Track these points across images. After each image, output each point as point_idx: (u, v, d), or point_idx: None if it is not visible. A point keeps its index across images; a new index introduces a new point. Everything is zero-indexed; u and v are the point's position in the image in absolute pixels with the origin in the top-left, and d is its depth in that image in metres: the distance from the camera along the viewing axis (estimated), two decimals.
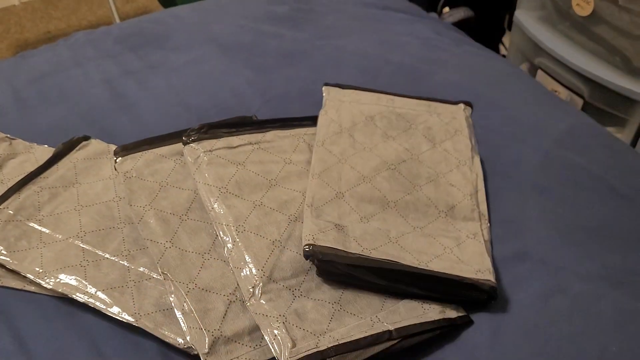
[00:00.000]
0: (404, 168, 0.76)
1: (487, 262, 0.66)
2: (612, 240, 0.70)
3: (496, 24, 1.75)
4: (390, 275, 0.63)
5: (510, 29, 1.52)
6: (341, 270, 0.63)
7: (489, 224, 0.73)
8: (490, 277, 0.64)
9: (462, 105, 0.88)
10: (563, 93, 1.30)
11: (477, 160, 0.80)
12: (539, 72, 1.38)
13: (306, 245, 0.63)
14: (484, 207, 0.75)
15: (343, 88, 0.89)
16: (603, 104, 1.23)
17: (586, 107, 1.26)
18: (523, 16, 1.40)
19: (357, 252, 0.63)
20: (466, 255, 0.67)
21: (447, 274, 0.63)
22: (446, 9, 1.60)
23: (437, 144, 0.81)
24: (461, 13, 1.58)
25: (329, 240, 0.64)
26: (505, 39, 1.76)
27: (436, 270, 0.63)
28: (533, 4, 1.39)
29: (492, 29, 1.76)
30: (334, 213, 0.69)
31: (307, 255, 0.63)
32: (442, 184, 0.75)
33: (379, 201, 0.72)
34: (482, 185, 0.77)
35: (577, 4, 1.20)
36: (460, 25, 1.51)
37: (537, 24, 1.36)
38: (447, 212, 0.72)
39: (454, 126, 0.84)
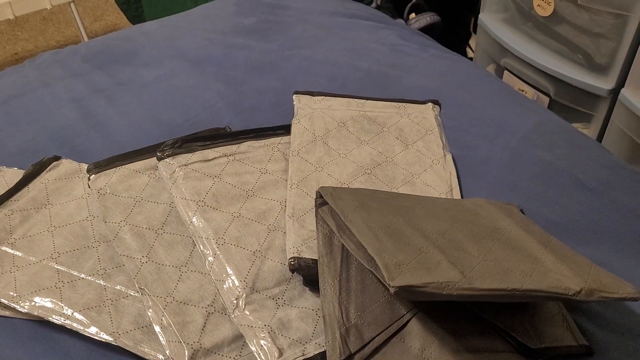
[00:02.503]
0: (379, 172, 0.77)
1: None
2: (582, 233, 0.72)
3: (462, 28, 1.79)
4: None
5: (475, 32, 1.55)
6: None
7: None
8: None
9: (430, 104, 0.90)
10: (529, 92, 1.33)
11: (449, 157, 0.82)
12: (505, 72, 1.41)
13: (291, 258, 0.64)
14: None
15: (313, 95, 0.90)
16: (569, 101, 1.26)
17: (553, 105, 1.29)
18: (487, 19, 1.43)
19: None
20: None
21: None
22: (412, 15, 1.63)
23: (410, 144, 0.82)
24: (427, 19, 1.60)
25: (313, 252, 0.64)
26: (472, 42, 1.79)
27: None
28: (496, 6, 1.43)
29: (459, 32, 1.79)
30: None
31: (293, 269, 0.63)
32: (417, 185, 0.76)
33: None
34: (456, 183, 0.78)
35: (538, 5, 1.23)
36: (426, 30, 1.53)
37: (501, 25, 1.40)
38: None
39: (425, 126, 0.86)
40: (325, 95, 0.90)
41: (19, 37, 2.38)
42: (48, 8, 1.84)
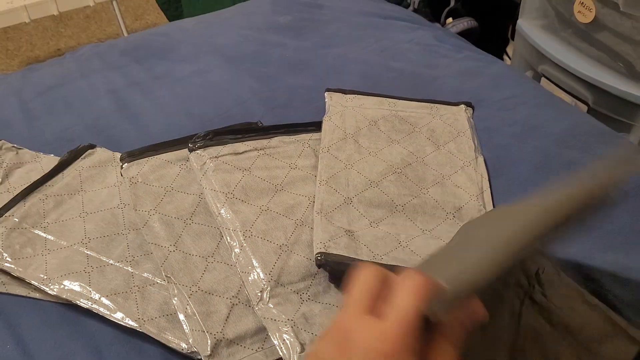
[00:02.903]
0: (409, 171, 0.76)
1: None
2: (613, 237, 0.69)
3: (499, 34, 1.76)
4: None
5: (513, 39, 1.53)
6: None
7: None
8: None
9: (463, 106, 0.89)
10: (567, 100, 1.30)
11: (481, 160, 0.80)
12: (543, 79, 1.38)
13: (318, 254, 0.64)
14: (490, 207, 0.74)
15: (345, 93, 0.90)
16: (608, 110, 1.22)
17: (591, 114, 1.26)
18: (526, 25, 1.40)
19: (368, 259, 0.63)
20: None
21: None
22: (449, 20, 1.61)
23: (441, 146, 0.81)
24: (464, 24, 1.59)
25: (340, 248, 0.64)
26: (509, 49, 1.76)
27: None
28: (535, 12, 1.40)
29: (496, 39, 1.77)
30: (344, 219, 0.69)
31: (320, 264, 0.63)
32: (448, 186, 0.75)
33: (387, 205, 0.72)
34: (487, 186, 0.77)
35: (579, 11, 1.20)
36: (463, 36, 1.51)
37: (540, 32, 1.37)
38: (454, 214, 0.72)
39: (457, 128, 0.84)
40: (357, 94, 0.90)
41: (63, 34, 2.45)
42: (91, 5, 1.89)
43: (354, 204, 0.71)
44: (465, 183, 0.76)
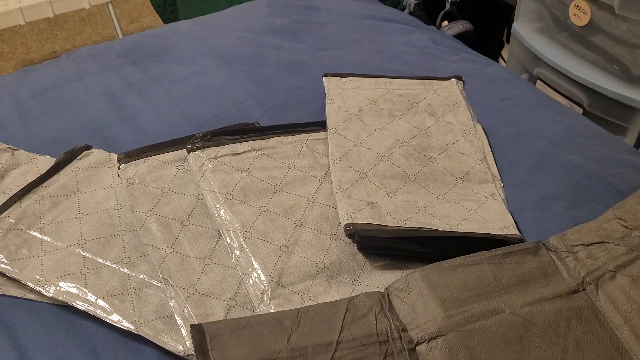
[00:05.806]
0: (415, 143, 0.80)
1: (509, 218, 0.70)
2: None
3: (495, 38, 1.77)
4: (427, 242, 0.66)
5: (508, 42, 1.53)
6: (381, 244, 0.66)
7: (502, 184, 0.76)
8: (516, 232, 0.68)
9: (454, 80, 0.93)
10: (563, 102, 1.31)
11: (479, 127, 0.85)
12: (538, 82, 1.38)
13: (346, 224, 0.66)
14: (494, 169, 0.78)
15: (342, 77, 0.93)
16: (603, 113, 1.23)
17: (586, 116, 1.26)
18: (521, 28, 1.41)
19: (394, 225, 0.66)
20: (489, 215, 0.70)
21: (477, 233, 0.66)
22: (445, 23, 1.62)
23: (440, 117, 0.85)
24: (460, 27, 1.59)
25: (366, 217, 0.67)
26: (504, 52, 1.77)
27: (467, 231, 0.66)
28: (531, 16, 1.41)
29: (491, 42, 1.78)
30: (362, 192, 0.72)
31: (350, 234, 0.65)
32: (453, 153, 0.79)
33: (400, 176, 0.75)
34: (489, 150, 0.81)
35: (574, 14, 1.21)
36: (459, 39, 1.52)
37: (535, 35, 1.38)
38: (463, 178, 0.76)
39: (452, 100, 0.88)
40: (354, 76, 0.93)
41: (58, 37, 2.44)
42: (87, 8, 1.88)
43: (370, 178, 0.74)
44: (469, 149, 0.80)
